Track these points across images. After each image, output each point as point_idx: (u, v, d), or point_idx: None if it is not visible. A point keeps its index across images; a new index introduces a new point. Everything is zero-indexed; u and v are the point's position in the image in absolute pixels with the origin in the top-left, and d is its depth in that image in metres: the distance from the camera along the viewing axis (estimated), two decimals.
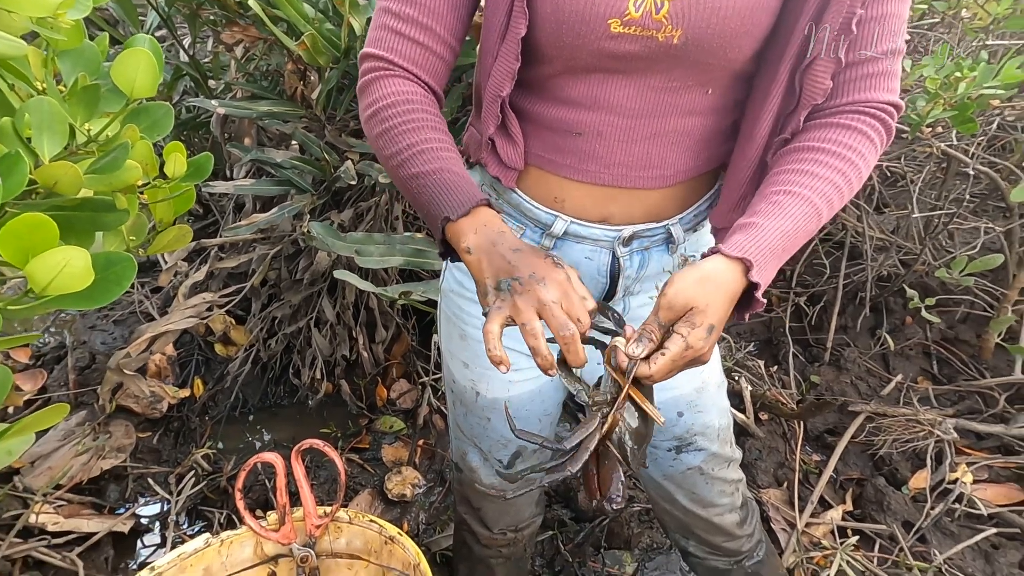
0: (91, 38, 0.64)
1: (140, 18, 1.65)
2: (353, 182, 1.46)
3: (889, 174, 1.97)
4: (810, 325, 1.88)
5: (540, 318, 0.55)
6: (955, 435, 1.46)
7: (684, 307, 0.55)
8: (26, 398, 1.32)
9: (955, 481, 1.35)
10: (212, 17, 1.59)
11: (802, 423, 1.56)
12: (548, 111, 0.67)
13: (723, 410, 0.85)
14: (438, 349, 1.68)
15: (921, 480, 1.41)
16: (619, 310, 0.76)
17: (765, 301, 0.58)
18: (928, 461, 1.43)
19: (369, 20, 1.29)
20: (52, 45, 0.57)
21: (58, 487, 1.20)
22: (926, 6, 1.48)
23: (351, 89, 1.55)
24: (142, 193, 0.71)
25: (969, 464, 1.41)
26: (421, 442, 1.63)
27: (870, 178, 1.76)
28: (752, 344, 1.90)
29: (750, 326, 1.97)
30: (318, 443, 0.79)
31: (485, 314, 0.57)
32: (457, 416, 0.91)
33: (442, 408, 1.68)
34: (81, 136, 0.62)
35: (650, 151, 0.66)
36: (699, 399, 0.80)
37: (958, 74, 1.14)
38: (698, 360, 0.56)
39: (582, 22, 0.58)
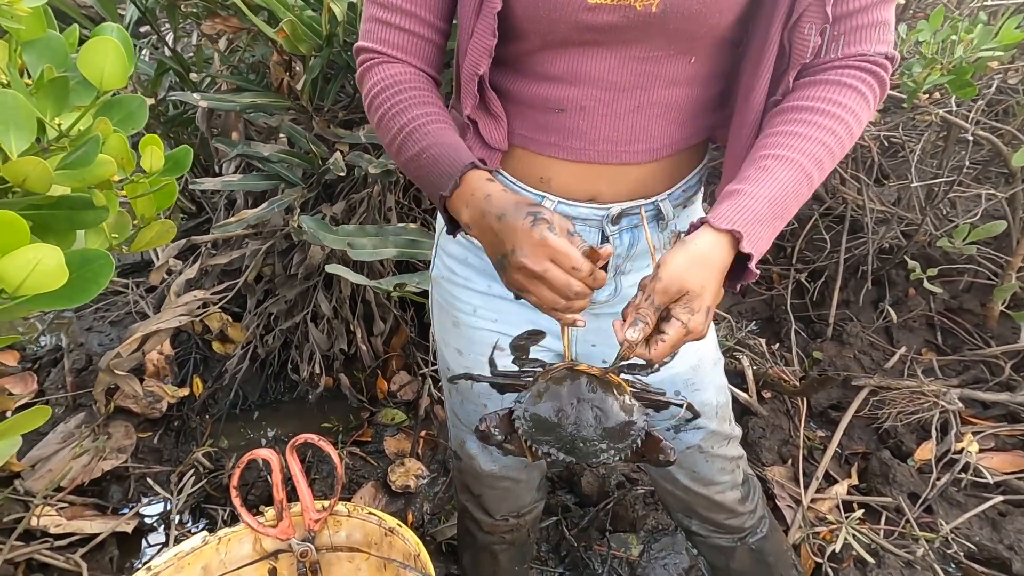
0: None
1: (120, 12, 1.62)
2: (342, 173, 1.44)
3: (888, 144, 1.94)
4: (812, 301, 1.86)
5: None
6: (960, 405, 1.45)
7: (679, 292, 0.54)
8: (22, 402, 1.31)
9: (961, 451, 1.35)
10: (193, 9, 1.55)
11: (805, 399, 1.55)
12: (529, 88, 0.65)
13: (720, 387, 0.84)
14: None
15: (927, 451, 1.40)
16: (610, 290, 0.75)
17: (758, 272, 0.57)
18: (933, 432, 1.42)
19: (350, 5, 1.26)
20: (13, 35, 0.55)
21: (59, 489, 1.20)
22: None
23: (338, 79, 1.52)
24: (121, 189, 0.69)
25: (975, 433, 1.40)
26: (423, 433, 1.63)
27: (869, 150, 1.73)
28: (754, 323, 1.89)
29: (751, 305, 1.95)
30: (313, 438, 0.78)
31: (517, 298, 0.60)
32: (453, 404, 0.90)
33: (443, 398, 1.68)
34: (52, 131, 0.60)
35: (635, 124, 0.65)
36: (695, 377, 0.79)
37: (955, 37, 1.11)
38: (696, 339, 0.56)
39: None
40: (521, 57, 0.64)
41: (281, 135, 1.62)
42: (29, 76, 0.60)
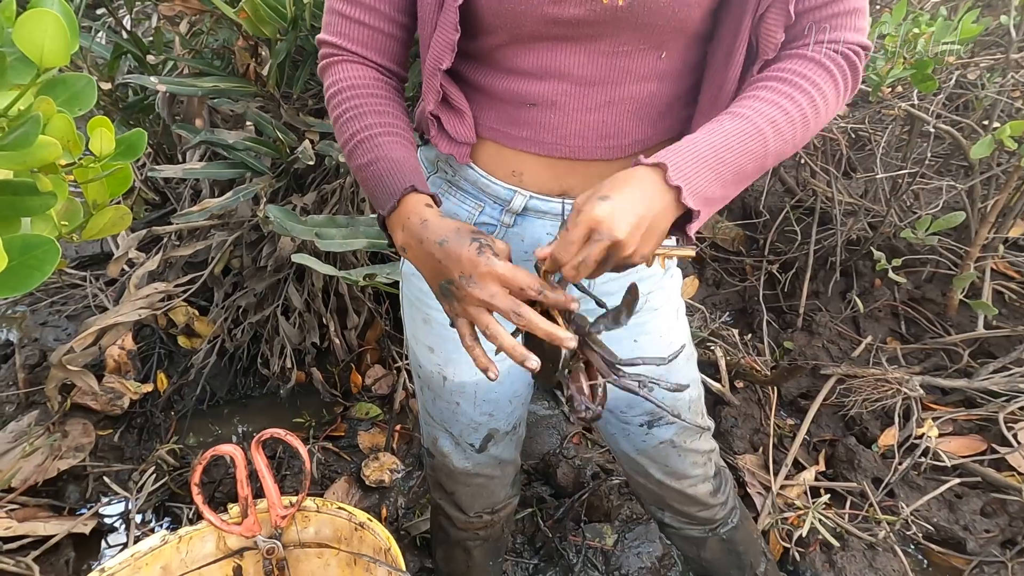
0: None
1: None
2: (311, 162, 1.40)
3: (856, 137, 1.98)
4: (783, 292, 1.89)
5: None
6: (921, 392, 1.49)
7: (588, 198, 0.53)
8: None
9: (922, 436, 1.39)
10: None
11: (776, 388, 1.58)
12: (499, 83, 0.64)
13: (694, 381, 0.84)
14: None
15: (890, 437, 1.44)
16: (584, 285, 0.74)
17: (700, 211, 0.54)
18: (896, 418, 1.46)
19: None
20: None
21: (10, 490, 1.15)
22: None
23: (307, 65, 1.48)
24: (69, 174, 0.66)
25: (935, 419, 1.44)
26: (398, 427, 1.61)
27: (838, 143, 1.76)
28: (727, 314, 1.92)
29: (725, 296, 1.98)
30: (279, 432, 0.76)
31: (452, 324, 0.57)
32: (426, 401, 0.88)
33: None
34: None
35: (606, 120, 0.64)
36: (668, 372, 0.79)
37: (916, 30, 1.13)
38: (621, 252, 0.52)
39: None
40: (490, 51, 0.63)
41: (248, 123, 1.57)
42: None
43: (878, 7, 1.61)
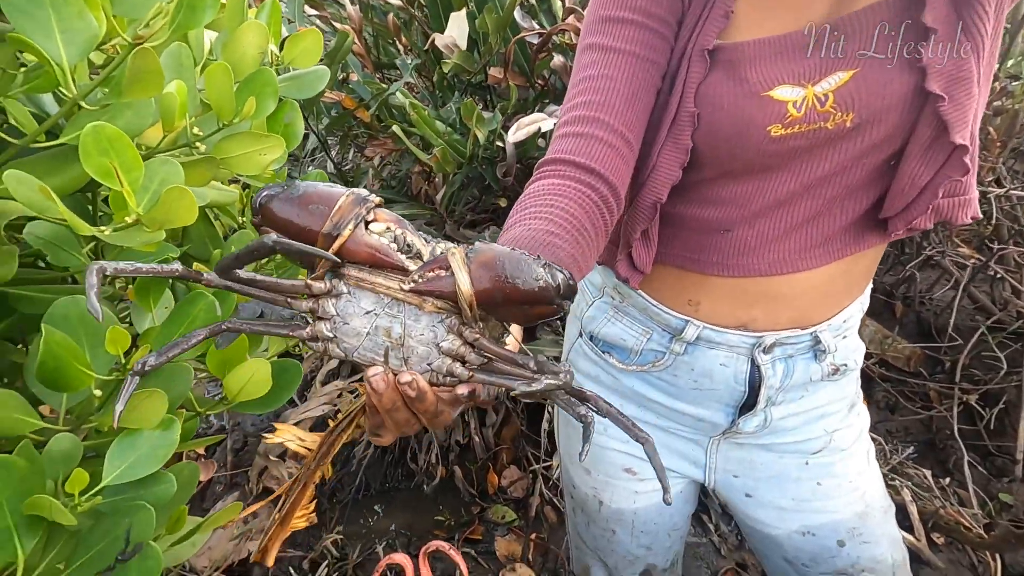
0: None
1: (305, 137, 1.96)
2: None
3: None
4: (988, 429, 1.59)
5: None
6: None
7: None
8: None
9: None
10: (357, 136, 1.84)
11: (999, 557, 1.28)
12: (695, 212, 0.63)
13: (895, 541, 0.73)
14: (548, 435, 1.65)
15: None
16: (759, 421, 0.70)
17: None
18: None
19: (492, 132, 1.41)
20: (251, 187, 0.69)
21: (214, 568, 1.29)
22: None
23: (470, 187, 1.68)
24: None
25: None
26: (534, 536, 1.57)
27: None
28: (911, 447, 1.65)
29: (903, 424, 1.72)
30: (444, 546, 0.79)
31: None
32: (578, 525, 0.86)
33: (554, 500, 1.62)
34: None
35: (811, 232, 0.61)
36: (863, 526, 0.70)
37: None
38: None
39: (738, 135, 0.56)
40: (692, 184, 0.63)
41: None
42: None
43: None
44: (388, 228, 0.39)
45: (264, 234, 0.37)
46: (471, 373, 0.42)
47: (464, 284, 0.38)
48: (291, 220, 0.38)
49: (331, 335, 0.41)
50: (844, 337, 0.68)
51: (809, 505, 0.71)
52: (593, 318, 0.77)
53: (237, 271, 0.39)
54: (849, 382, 0.72)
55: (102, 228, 0.36)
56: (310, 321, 0.42)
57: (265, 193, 0.39)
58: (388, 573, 1.36)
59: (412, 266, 0.39)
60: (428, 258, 0.40)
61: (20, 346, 0.51)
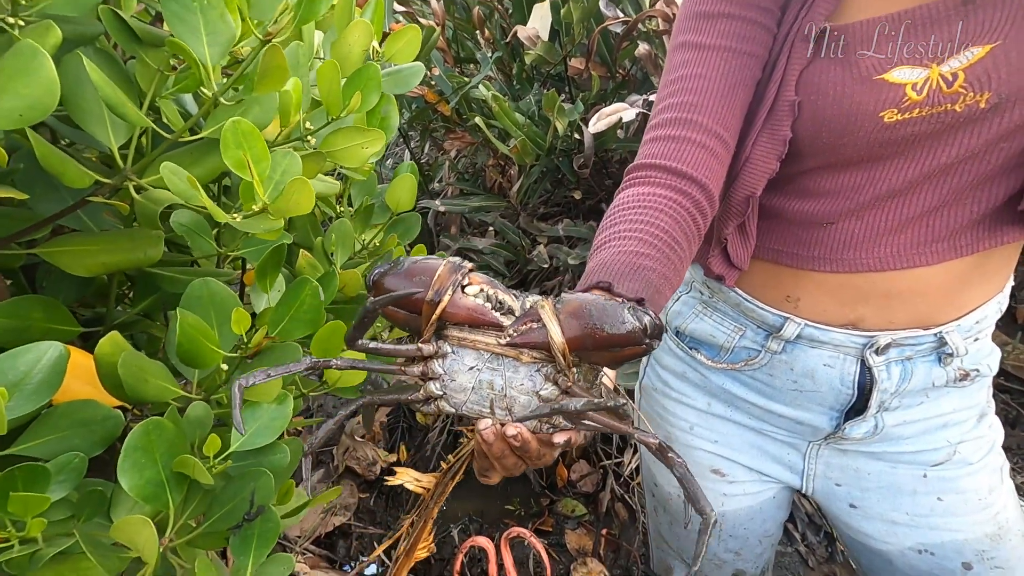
0: None
1: None
2: (546, 265, 1.54)
3: None
4: None
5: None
6: None
7: None
8: None
9: None
10: (435, 129, 1.88)
11: None
12: (793, 204, 0.60)
13: None
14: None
15: None
16: (869, 427, 0.65)
17: None
18: None
19: (571, 123, 1.40)
20: (350, 179, 0.72)
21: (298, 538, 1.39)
22: None
23: (545, 179, 1.68)
24: None
25: None
26: (605, 531, 1.56)
27: None
28: None
29: None
30: (525, 533, 0.81)
31: None
32: (660, 524, 0.85)
33: (625, 496, 1.60)
34: (358, 245, 0.76)
35: (932, 223, 0.55)
36: (995, 550, 0.63)
37: None
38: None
39: (845, 124, 0.52)
40: (791, 176, 0.59)
41: (490, 228, 1.82)
42: (350, 204, 0.78)
43: None
44: (481, 290, 0.44)
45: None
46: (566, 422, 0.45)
47: (556, 334, 0.41)
48: (400, 291, 0.43)
49: (440, 392, 0.45)
50: (976, 340, 0.62)
51: (926, 521, 0.65)
52: (679, 313, 0.75)
53: (363, 341, 0.45)
54: (979, 389, 0.65)
55: (234, 215, 0.39)
56: (421, 382, 0.46)
57: (378, 271, 0.45)
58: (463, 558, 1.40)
59: (506, 322, 0.43)
60: (519, 313, 0.43)
61: (158, 323, 0.56)
